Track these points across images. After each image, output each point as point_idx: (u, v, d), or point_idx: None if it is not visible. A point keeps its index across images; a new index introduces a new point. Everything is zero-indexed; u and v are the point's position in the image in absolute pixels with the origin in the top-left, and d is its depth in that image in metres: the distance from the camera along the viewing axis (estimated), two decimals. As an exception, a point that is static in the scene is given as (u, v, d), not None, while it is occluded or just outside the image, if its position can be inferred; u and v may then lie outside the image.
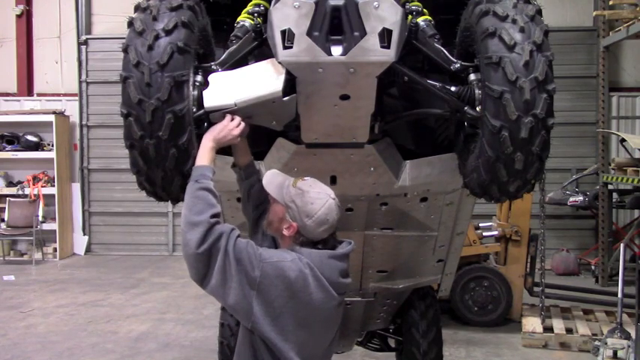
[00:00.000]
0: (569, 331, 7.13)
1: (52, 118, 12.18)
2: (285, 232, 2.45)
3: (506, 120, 2.42)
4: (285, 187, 2.48)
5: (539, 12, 2.54)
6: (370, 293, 3.96)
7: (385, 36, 2.35)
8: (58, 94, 13.12)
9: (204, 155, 2.45)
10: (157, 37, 2.41)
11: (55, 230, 12.28)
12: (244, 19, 2.98)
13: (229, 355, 4.37)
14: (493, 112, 2.44)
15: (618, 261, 7.09)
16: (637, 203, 9.87)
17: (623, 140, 9.72)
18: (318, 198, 2.44)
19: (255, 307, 2.30)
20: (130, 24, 2.49)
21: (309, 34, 2.34)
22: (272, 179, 2.55)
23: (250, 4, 3.07)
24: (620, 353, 6.08)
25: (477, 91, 2.59)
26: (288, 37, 2.35)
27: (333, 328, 2.55)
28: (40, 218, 12.21)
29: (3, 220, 12.25)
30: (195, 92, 2.54)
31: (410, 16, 2.93)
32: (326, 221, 2.43)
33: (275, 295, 2.31)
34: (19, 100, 13.11)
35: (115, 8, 11.75)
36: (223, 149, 2.87)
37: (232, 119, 2.51)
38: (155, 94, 2.38)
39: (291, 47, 2.35)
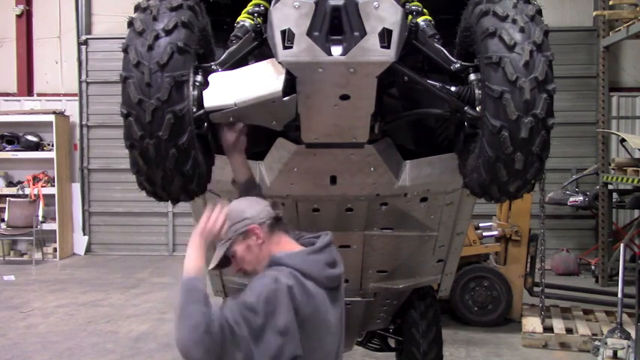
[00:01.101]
0: (569, 331, 7.13)
1: (52, 118, 12.18)
2: (260, 241, 2.44)
3: (506, 120, 2.42)
4: (218, 246, 2.48)
5: (539, 12, 2.53)
6: (370, 293, 3.96)
7: (385, 36, 2.34)
8: (58, 94, 13.11)
9: (193, 257, 2.33)
10: (157, 37, 2.41)
11: (55, 230, 12.28)
12: (244, 19, 2.98)
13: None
14: (493, 112, 2.44)
15: (618, 261, 7.09)
16: (637, 203, 9.87)
17: (623, 140, 9.72)
18: (230, 206, 2.49)
19: (289, 342, 2.28)
20: (130, 24, 2.49)
21: (309, 34, 2.34)
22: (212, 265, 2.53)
23: (250, 4, 3.07)
24: (620, 353, 6.09)
25: (477, 91, 2.59)
26: (288, 37, 2.35)
27: (337, 328, 2.53)
28: (40, 218, 12.21)
29: (3, 220, 12.25)
30: (195, 92, 2.53)
31: (410, 16, 2.93)
32: (252, 201, 2.52)
33: (287, 319, 2.28)
34: (19, 100, 13.11)
35: (115, 8, 11.75)
36: (223, 149, 2.86)
37: (213, 211, 2.43)
38: (155, 94, 2.38)
39: (291, 47, 2.35)
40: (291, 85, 2.48)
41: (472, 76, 2.65)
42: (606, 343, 6.22)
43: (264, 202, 2.54)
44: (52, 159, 12.26)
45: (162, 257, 12.51)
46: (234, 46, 2.81)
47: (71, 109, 12.91)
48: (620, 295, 6.57)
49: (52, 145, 12.27)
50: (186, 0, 2.54)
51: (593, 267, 10.58)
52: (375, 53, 2.35)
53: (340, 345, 2.57)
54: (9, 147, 12.27)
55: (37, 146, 12.32)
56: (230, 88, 2.55)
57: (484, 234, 8.16)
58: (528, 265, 7.91)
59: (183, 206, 3.46)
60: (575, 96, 11.56)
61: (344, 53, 2.36)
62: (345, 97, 2.52)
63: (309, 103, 2.55)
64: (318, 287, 2.40)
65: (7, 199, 12.27)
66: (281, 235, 2.50)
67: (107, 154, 12.60)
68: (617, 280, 6.82)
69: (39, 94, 13.18)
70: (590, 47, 11.73)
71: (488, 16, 2.49)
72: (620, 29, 9.58)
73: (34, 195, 12.29)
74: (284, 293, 2.28)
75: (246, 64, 2.74)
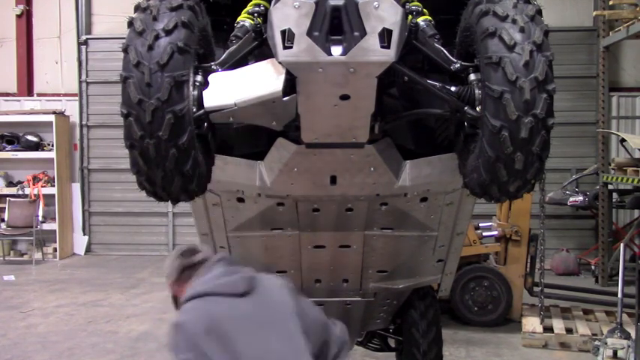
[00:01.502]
0: (569, 331, 7.13)
1: (52, 118, 12.18)
2: (180, 291, 2.63)
3: (506, 120, 2.42)
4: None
5: (539, 12, 2.53)
6: (370, 293, 3.96)
7: (385, 36, 2.35)
8: (58, 94, 13.12)
9: None
10: (157, 37, 2.41)
11: (55, 230, 12.28)
12: (244, 19, 2.98)
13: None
14: (493, 112, 2.44)
15: (618, 261, 7.09)
16: (637, 203, 9.87)
17: (623, 140, 9.72)
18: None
19: None
20: (130, 24, 2.49)
21: (309, 34, 2.34)
22: None
23: (250, 4, 3.07)
24: (620, 353, 6.08)
25: (477, 91, 2.59)
26: (288, 37, 2.35)
27: (274, 328, 2.47)
28: (40, 218, 12.21)
29: (3, 220, 12.25)
30: (195, 92, 2.54)
31: (410, 16, 2.94)
32: (172, 257, 2.70)
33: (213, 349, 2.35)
34: (19, 100, 13.11)
35: (115, 8, 11.75)
36: (223, 149, 2.86)
37: None
38: (155, 94, 2.38)
39: (291, 47, 2.35)
40: (291, 85, 2.48)
41: (472, 76, 2.65)
42: (606, 343, 6.21)
43: (180, 252, 2.70)
44: (52, 159, 12.26)
45: (162, 257, 12.41)
46: (234, 46, 2.81)
47: (71, 109, 12.91)
48: (620, 295, 6.56)
49: (52, 145, 12.28)
50: (186, 0, 2.54)
51: (593, 267, 10.58)
52: (375, 53, 2.35)
53: (296, 343, 2.47)
54: (9, 147, 12.28)
55: (37, 146, 12.32)
56: (230, 88, 2.55)
57: (484, 234, 8.15)
58: (528, 265, 7.91)
59: (183, 206, 3.47)
60: (575, 96, 11.56)
61: (344, 53, 2.36)
62: (345, 97, 2.52)
63: (309, 103, 2.55)
64: (224, 297, 2.46)
65: (7, 199, 12.27)
66: (192, 278, 2.60)
67: (107, 154, 12.60)
68: (617, 280, 6.82)
69: (39, 94, 13.18)
70: (590, 47, 11.73)
71: (488, 16, 2.49)
72: (620, 29, 9.59)
73: (34, 195, 12.29)
74: (189, 329, 2.38)
75: (246, 64, 2.75)
